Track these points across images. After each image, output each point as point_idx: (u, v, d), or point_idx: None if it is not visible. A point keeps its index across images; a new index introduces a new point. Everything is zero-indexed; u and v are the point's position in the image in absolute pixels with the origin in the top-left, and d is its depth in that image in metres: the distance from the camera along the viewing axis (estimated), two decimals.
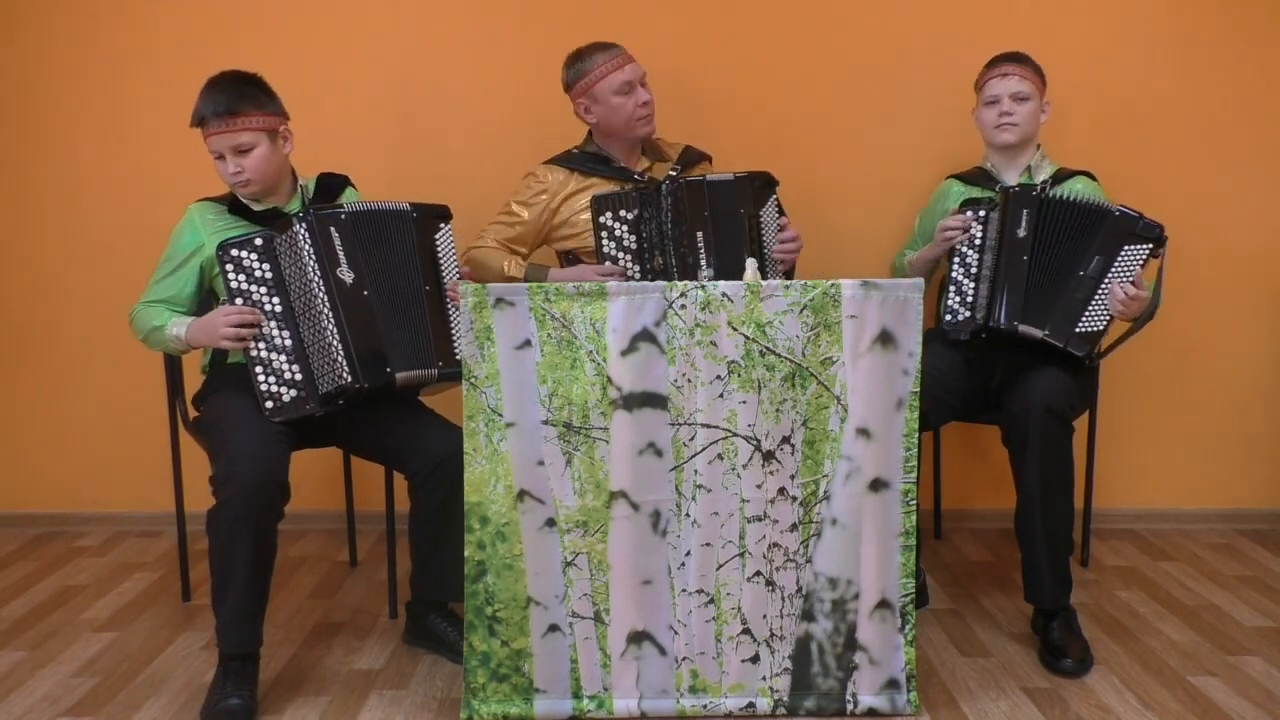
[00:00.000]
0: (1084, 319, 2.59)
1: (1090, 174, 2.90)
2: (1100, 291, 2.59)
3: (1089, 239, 2.61)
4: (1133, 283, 2.56)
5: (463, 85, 3.35)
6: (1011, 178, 2.86)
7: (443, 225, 2.55)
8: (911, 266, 2.94)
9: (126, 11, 3.33)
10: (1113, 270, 2.58)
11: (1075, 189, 2.78)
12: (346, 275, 2.39)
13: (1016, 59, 2.84)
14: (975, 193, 2.86)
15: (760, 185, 2.80)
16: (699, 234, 2.73)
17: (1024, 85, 2.81)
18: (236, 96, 2.42)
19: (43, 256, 3.44)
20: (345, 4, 3.33)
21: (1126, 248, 2.59)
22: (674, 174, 2.83)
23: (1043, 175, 2.84)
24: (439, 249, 2.53)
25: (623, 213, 2.73)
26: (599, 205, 2.74)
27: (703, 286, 2.17)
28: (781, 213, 2.86)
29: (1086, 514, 3.10)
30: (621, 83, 2.79)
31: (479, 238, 2.91)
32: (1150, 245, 2.59)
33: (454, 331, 2.49)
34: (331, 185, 2.63)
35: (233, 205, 2.51)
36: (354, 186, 2.69)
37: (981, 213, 2.73)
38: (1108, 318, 2.59)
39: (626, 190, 2.78)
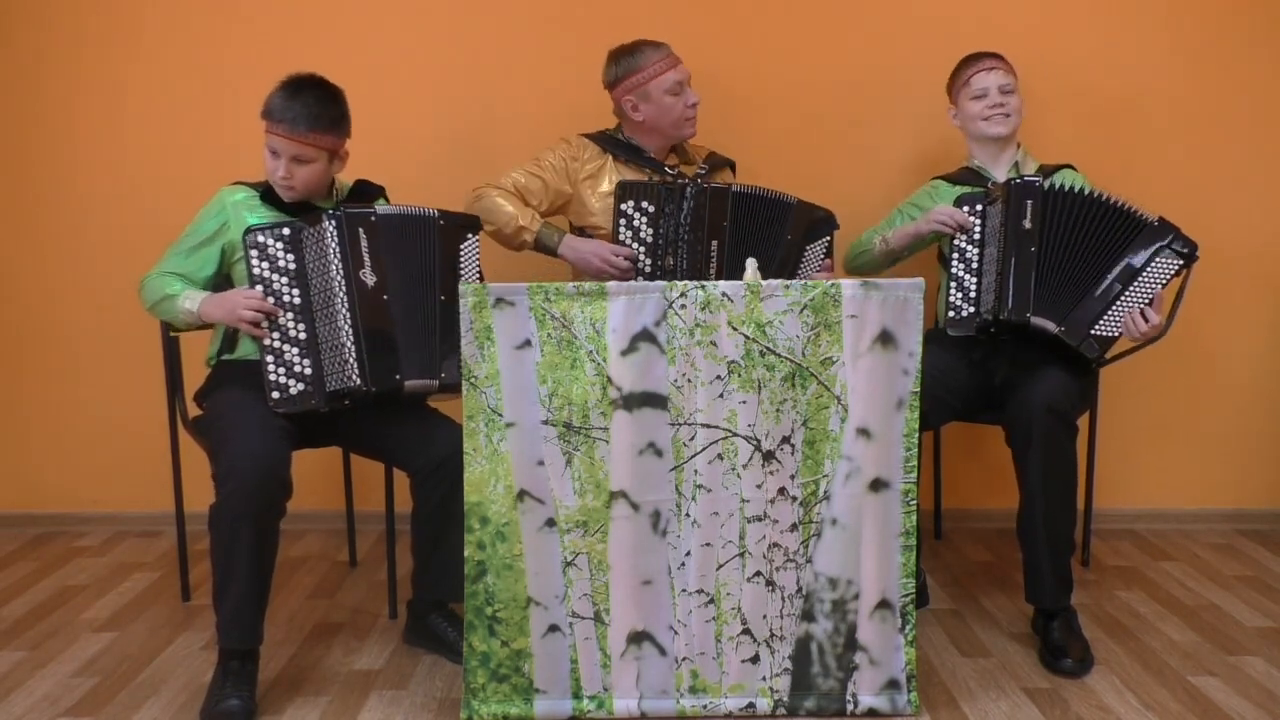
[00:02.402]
0: (1102, 322, 2.57)
1: (1072, 166, 2.91)
2: (1123, 299, 2.57)
3: (1119, 243, 2.59)
4: (1149, 303, 2.55)
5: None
6: (999, 174, 2.86)
7: (470, 236, 2.55)
8: (887, 243, 2.90)
9: (128, 11, 3.33)
10: (1140, 279, 2.56)
11: (1068, 180, 2.75)
12: (369, 278, 2.39)
13: (994, 55, 2.87)
14: (964, 191, 2.85)
15: (818, 220, 2.80)
16: (714, 243, 2.71)
17: (1008, 78, 2.85)
18: (318, 115, 2.43)
19: (43, 256, 3.43)
20: (361, 7, 3.33)
21: (1159, 259, 2.57)
22: (700, 174, 2.83)
23: (1028, 171, 2.84)
24: (462, 260, 2.53)
25: (645, 204, 2.72)
26: (624, 191, 2.73)
27: (702, 286, 2.17)
28: (829, 255, 2.84)
29: (1087, 514, 3.10)
30: (674, 82, 2.81)
31: (493, 179, 2.88)
32: (1181, 261, 2.57)
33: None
34: (368, 193, 2.64)
35: (265, 194, 2.52)
36: (387, 199, 2.68)
37: (979, 207, 2.72)
38: (1122, 326, 2.58)
39: (654, 182, 2.77)
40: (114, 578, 3.12)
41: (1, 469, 3.53)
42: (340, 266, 2.38)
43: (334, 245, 2.38)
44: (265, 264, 2.38)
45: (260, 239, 2.38)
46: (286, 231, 2.40)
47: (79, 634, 2.73)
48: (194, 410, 2.63)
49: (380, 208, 2.49)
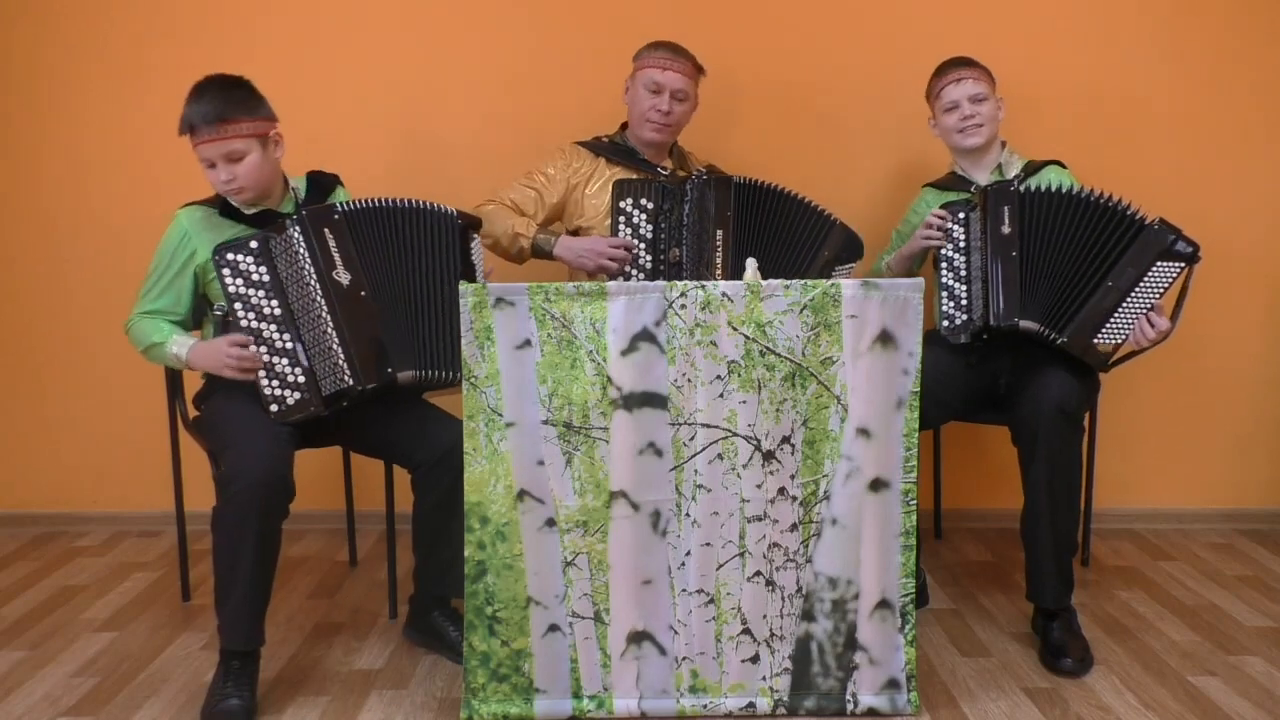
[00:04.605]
0: (1105, 331, 2.55)
1: (1060, 162, 2.89)
2: (1125, 306, 2.54)
3: (1114, 244, 2.55)
4: (1153, 308, 2.54)
5: (463, 85, 3.35)
6: (982, 178, 2.85)
7: (475, 236, 2.56)
8: (889, 268, 2.95)
9: (134, 7, 3.33)
10: (1141, 285, 2.53)
11: (1048, 180, 2.69)
12: (343, 277, 2.38)
13: (964, 63, 2.85)
14: (951, 198, 2.84)
15: (849, 244, 2.81)
16: (719, 232, 2.73)
17: (979, 87, 2.81)
18: (225, 103, 2.37)
19: (43, 257, 3.44)
20: (347, 4, 3.34)
21: (1160, 264, 2.53)
22: (700, 174, 2.85)
23: (1014, 170, 2.83)
24: (473, 257, 2.53)
25: (644, 201, 2.75)
26: (621, 190, 2.76)
27: (702, 286, 2.17)
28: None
29: (1087, 514, 3.09)
30: (653, 81, 2.86)
31: (493, 195, 2.92)
32: (1183, 264, 2.54)
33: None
34: (322, 184, 2.61)
35: (223, 208, 2.48)
36: (343, 186, 2.67)
37: (960, 214, 2.71)
38: (1128, 332, 2.57)
39: (651, 180, 2.80)
40: (114, 578, 3.12)
41: (1, 469, 3.53)
42: (313, 270, 2.35)
43: (302, 250, 2.35)
44: (239, 280, 2.34)
45: (230, 256, 2.34)
46: (254, 244, 2.35)
47: (79, 634, 2.73)
48: (194, 412, 2.63)
49: (343, 203, 2.45)
